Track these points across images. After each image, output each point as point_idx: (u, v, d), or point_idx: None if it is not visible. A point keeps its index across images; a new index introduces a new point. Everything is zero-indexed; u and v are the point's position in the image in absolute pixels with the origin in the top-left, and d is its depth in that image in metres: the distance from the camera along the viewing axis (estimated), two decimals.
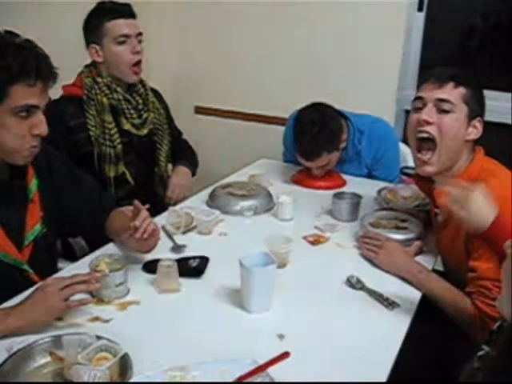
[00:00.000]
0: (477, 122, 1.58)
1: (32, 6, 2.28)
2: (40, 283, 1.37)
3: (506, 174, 1.57)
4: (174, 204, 2.16)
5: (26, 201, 1.53)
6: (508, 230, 1.42)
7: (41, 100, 1.40)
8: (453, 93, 1.55)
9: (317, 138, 2.16)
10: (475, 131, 1.58)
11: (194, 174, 2.44)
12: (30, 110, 1.38)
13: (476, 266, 1.49)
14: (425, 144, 1.58)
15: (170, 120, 2.45)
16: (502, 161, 1.64)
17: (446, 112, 1.55)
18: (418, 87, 1.62)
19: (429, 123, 1.55)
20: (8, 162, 1.46)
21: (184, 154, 2.46)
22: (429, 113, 1.56)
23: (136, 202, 1.52)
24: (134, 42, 2.10)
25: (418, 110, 1.60)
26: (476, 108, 1.57)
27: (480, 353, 1.00)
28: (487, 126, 1.63)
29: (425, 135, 1.57)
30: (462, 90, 1.55)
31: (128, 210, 1.64)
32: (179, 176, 2.33)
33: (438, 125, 1.55)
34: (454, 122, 1.55)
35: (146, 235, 1.51)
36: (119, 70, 2.11)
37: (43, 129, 1.42)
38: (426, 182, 1.73)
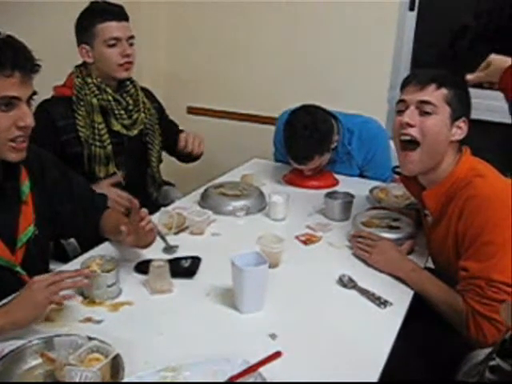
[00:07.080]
0: (461, 123, 1.58)
1: (25, 5, 2.27)
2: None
3: (493, 173, 1.57)
4: (191, 153, 2.28)
5: (18, 202, 1.51)
6: (497, 229, 1.44)
7: (21, 91, 1.36)
8: (434, 94, 1.55)
9: (308, 143, 2.16)
10: (459, 132, 1.58)
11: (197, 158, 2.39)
12: (11, 102, 1.35)
13: (467, 266, 1.48)
14: (408, 146, 1.59)
15: (165, 117, 2.44)
16: (501, 160, 1.64)
17: (428, 114, 1.55)
18: (401, 90, 1.62)
19: (411, 126, 1.56)
20: (3, 160, 1.44)
21: None
22: (411, 115, 1.56)
23: (135, 201, 1.52)
24: (124, 45, 2.08)
25: (400, 112, 1.60)
26: (460, 108, 1.57)
27: (491, 363, 0.97)
28: (486, 125, 1.62)
29: (407, 138, 1.57)
30: (443, 91, 1.55)
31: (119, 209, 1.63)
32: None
33: (420, 127, 1.55)
34: (437, 123, 1.55)
35: (148, 227, 1.53)
36: (108, 69, 2.09)
37: (29, 120, 1.38)
38: (413, 184, 1.73)
